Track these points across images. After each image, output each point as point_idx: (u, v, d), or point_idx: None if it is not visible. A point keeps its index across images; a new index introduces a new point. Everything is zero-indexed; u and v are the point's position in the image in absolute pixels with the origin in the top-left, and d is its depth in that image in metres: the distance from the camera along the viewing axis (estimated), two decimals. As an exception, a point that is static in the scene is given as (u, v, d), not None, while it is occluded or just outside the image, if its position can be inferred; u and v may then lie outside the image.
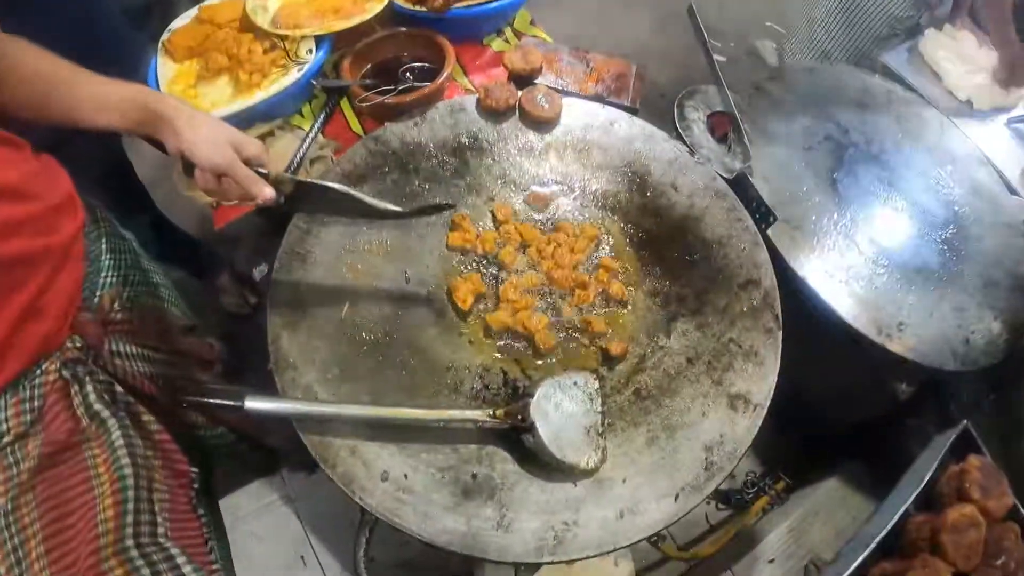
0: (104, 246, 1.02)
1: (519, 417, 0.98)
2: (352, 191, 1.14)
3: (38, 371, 0.85)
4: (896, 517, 1.05)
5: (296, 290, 1.11)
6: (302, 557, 1.76)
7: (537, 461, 1.00)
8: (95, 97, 0.92)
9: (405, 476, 0.95)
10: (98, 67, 0.95)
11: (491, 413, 0.99)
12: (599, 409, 1.05)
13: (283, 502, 1.84)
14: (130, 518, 0.88)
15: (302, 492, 1.85)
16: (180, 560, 0.90)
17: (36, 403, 0.84)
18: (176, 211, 2.30)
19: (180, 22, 1.55)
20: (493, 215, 1.28)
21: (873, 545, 1.03)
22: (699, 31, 1.71)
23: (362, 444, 0.96)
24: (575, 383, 1.05)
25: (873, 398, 1.47)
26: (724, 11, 4.09)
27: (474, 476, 0.97)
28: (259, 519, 1.80)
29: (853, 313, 1.30)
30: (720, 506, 1.77)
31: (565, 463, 0.99)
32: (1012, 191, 1.77)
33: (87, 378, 0.90)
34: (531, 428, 0.98)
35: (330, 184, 1.13)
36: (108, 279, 1.01)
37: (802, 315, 1.31)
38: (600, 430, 1.04)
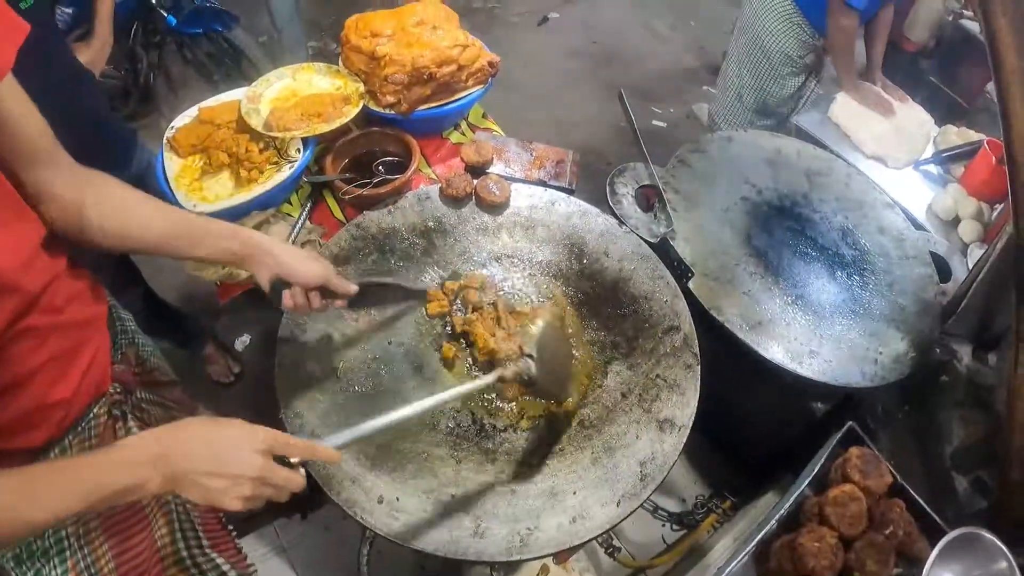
0: (114, 316, 1.25)
1: (524, 375, 1.21)
2: (403, 284, 1.43)
3: (91, 414, 1.08)
4: (793, 498, 1.30)
5: (298, 353, 1.35)
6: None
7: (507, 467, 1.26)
8: (192, 237, 1.11)
9: (397, 499, 1.18)
10: (86, 155, 1.06)
11: (500, 376, 1.20)
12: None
13: (276, 552, 1.99)
14: (180, 535, 1.10)
15: (294, 541, 2.00)
16: (225, 567, 1.11)
17: (92, 442, 1.07)
18: (164, 286, 2.50)
19: (182, 120, 1.78)
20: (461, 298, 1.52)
21: (774, 522, 1.28)
22: (627, 115, 1.91)
23: (361, 474, 1.19)
24: (552, 327, 1.33)
25: (796, 418, 1.70)
26: (666, 80, 4.47)
27: (452, 496, 1.20)
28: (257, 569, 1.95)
29: (767, 346, 1.54)
30: (674, 527, 1.95)
31: (560, 395, 1.31)
32: (918, 226, 2.04)
33: (128, 415, 1.14)
34: (533, 382, 1.21)
35: (382, 280, 1.41)
36: (123, 341, 1.25)
37: (731, 351, 1.55)
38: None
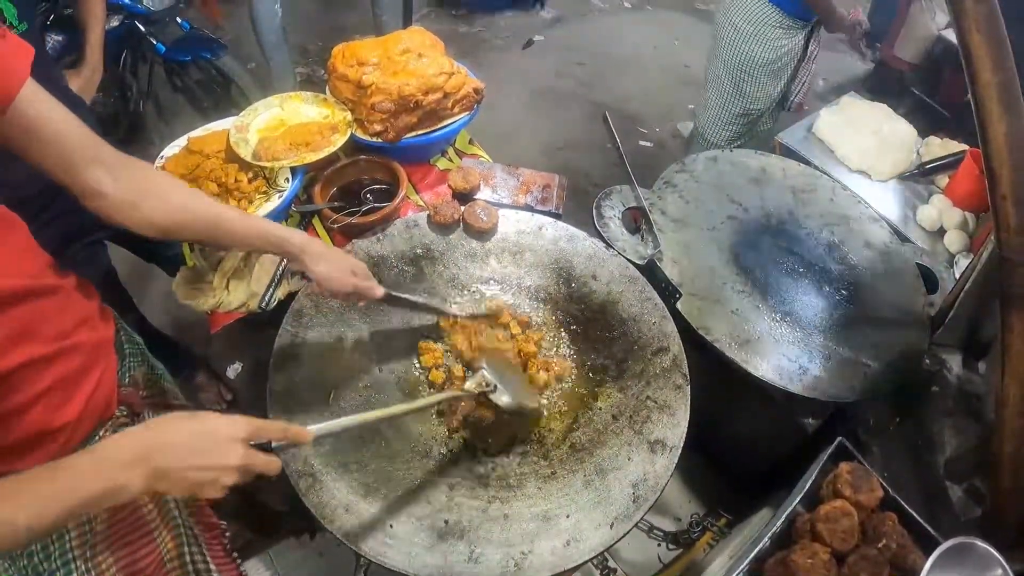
0: (123, 339, 1.27)
1: (484, 384, 1.33)
2: (429, 303, 1.50)
3: (96, 438, 1.09)
4: (785, 515, 1.31)
5: (290, 380, 1.36)
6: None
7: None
8: (242, 231, 1.19)
9: (391, 526, 1.18)
10: None
11: (462, 388, 1.33)
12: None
13: (274, 578, 1.98)
14: (188, 558, 1.10)
15: (290, 568, 1.99)
16: None
17: None
18: (155, 313, 2.51)
19: (171, 150, 1.79)
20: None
21: (767, 539, 1.28)
22: (613, 137, 1.92)
23: (354, 503, 1.19)
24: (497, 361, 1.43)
25: (788, 434, 1.70)
26: (651, 100, 4.51)
27: (446, 522, 1.20)
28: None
29: (757, 364, 1.55)
30: (670, 547, 1.95)
31: (527, 406, 1.38)
32: (904, 239, 2.06)
33: None
34: (495, 389, 1.32)
35: (412, 297, 1.48)
36: (132, 363, 1.26)
37: (721, 370, 1.56)
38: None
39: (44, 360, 0.99)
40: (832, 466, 1.38)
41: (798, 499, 1.33)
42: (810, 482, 1.35)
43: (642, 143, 4.18)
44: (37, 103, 0.96)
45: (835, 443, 1.40)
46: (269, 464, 0.94)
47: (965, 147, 2.41)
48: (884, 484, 1.34)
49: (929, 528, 1.31)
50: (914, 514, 1.32)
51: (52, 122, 0.98)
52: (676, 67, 4.86)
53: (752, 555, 1.24)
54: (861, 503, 1.28)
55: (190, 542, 1.15)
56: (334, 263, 1.25)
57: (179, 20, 3.33)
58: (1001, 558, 1.19)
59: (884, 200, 2.27)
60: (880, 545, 1.26)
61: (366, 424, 1.09)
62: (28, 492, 0.81)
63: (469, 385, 1.33)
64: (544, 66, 4.82)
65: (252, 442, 0.92)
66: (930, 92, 3.88)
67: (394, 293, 1.39)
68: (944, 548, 1.18)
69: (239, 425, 0.90)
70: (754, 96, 2.82)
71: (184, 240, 1.18)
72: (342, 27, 4.87)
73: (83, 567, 1.05)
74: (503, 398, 1.34)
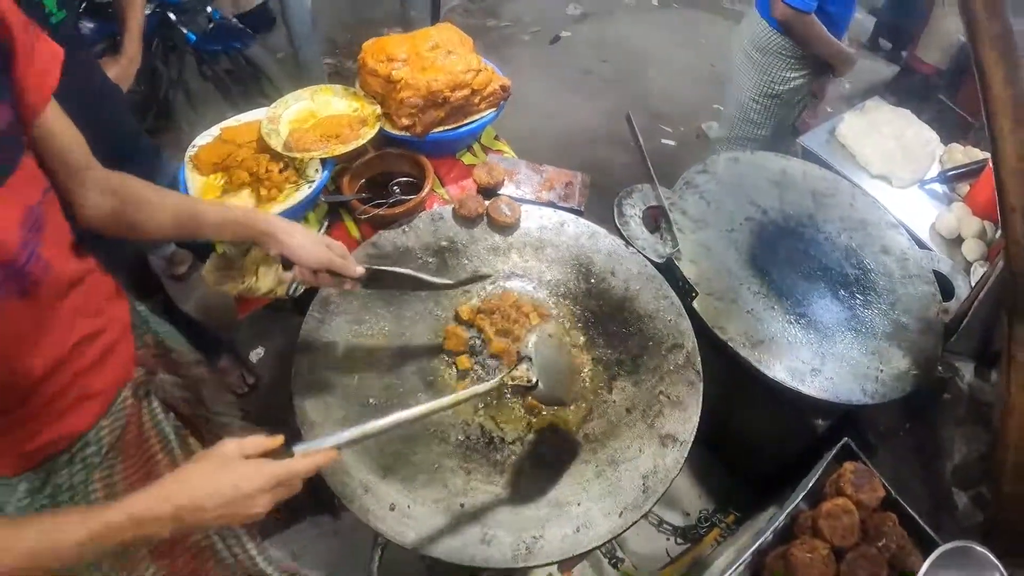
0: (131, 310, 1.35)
1: (525, 379, 1.26)
2: (412, 272, 1.41)
3: (119, 398, 1.19)
4: (788, 511, 1.36)
5: (314, 365, 1.41)
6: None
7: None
8: (216, 223, 1.25)
9: (408, 507, 1.23)
10: (111, 168, 1.20)
11: (503, 379, 1.25)
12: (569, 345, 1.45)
13: (291, 558, 2.05)
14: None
15: (305, 549, 2.05)
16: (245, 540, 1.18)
17: (120, 422, 1.18)
18: (182, 299, 2.58)
19: (203, 139, 1.85)
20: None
21: (769, 533, 1.33)
22: (635, 137, 1.96)
23: (374, 483, 1.25)
24: (549, 335, 1.37)
25: (798, 434, 1.73)
26: (675, 98, 4.52)
27: (462, 505, 1.25)
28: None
29: (770, 364, 1.59)
30: (679, 541, 2.00)
31: (563, 399, 1.38)
32: (922, 245, 2.08)
33: (152, 395, 1.27)
34: (535, 386, 1.26)
35: (397, 269, 1.40)
36: (141, 329, 1.33)
37: (734, 369, 1.60)
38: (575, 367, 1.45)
39: (93, 334, 1.10)
40: (836, 465, 1.42)
41: (801, 496, 1.37)
42: (814, 480, 1.39)
43: (665, 141, 4.20)
44: (53, 115, 1.03)
45: (840, 443, 1.44)
46: (293, 492, 0.98)
47: (987, 155, 2.38)
48: (887, 485, 1.38)
49: (929, 530, 1.35)
50: (915, 516, 1.36)
51: (63, 135, 1.05)
52: (702, 66, 4.88)
53: (754, 547, 1.29)
54: (862, 502, 1.32)
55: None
56: (307, 236, 1.28)
57: (210, 10, 3.38)
58: (999, 563, 1.22)
59: (904, 206, 2.28)
60: (880, 544, 1.30)
61: (400, 424, 1.08)
62: (65, 544, 0.85)
63: (508, 378, 1.27)
64: (570, 62, 4.86)
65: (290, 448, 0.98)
66: (954, 97, 3.86)
67: (375, 267, 1.35)
68: (942, 550, 1.22)
69: (264, 476, 0.93)
70: (760, 122, 2.84)
71: (168, 239, 1.25)
72: (370, 20, 4.92)
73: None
74: (542, 389, 1.28)
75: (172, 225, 1.23)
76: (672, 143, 4.20)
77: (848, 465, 1.38)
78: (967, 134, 3.35)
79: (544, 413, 1.44)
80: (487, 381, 1.25)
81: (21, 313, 0.94)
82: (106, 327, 1.15)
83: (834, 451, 1.43)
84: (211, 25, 3.38)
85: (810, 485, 1.39)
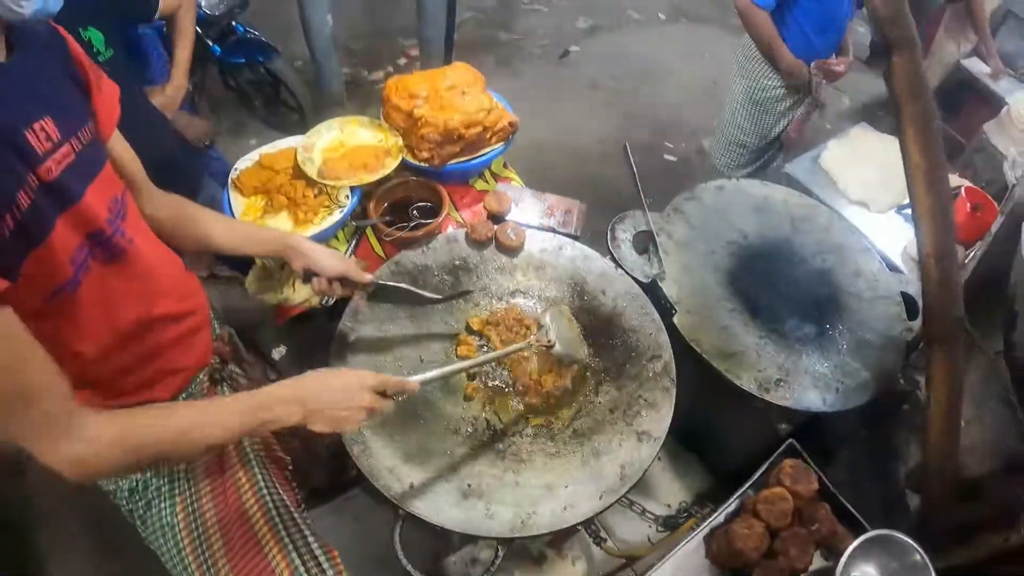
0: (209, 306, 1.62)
1: (547, 341, 1.66)
2: (411, 288, 1.73)
3: (198, 378, 1.46)
4: (737, 495, 1.61)
5: (347, 365, 1.65)
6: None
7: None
8: (248, 241, 1.54)
9: (424, 486, 1.48)
10: (162, 184, 1.45)
11: (528, 343, 1.65)
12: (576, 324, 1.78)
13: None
14: (259, 479, 1.45)
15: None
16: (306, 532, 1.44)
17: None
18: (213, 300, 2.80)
19: (244, 163, 2.08)
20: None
21: (719, 514, 1.59)
22: (630, 166, 2.11)
23: (397, 466, 1.49)
24: (560, 312, 1.74)
25: (765, 436, 1.86)
26: (680, 113, 4.65)
27: (469, 485, 1.50)
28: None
29: (739, 375, 1.74)
30: (660, 529, 2.19)
31: (576, 357, 1.72)
32: (894, 268, 2.20)
33: (224, 382, 1.53)
34: (554, 344, 1.66)
35: (396, 284, 1.72)
36: (216, 323, 1.62)
37: (710, 378, 1.76)
38: (579, 336, 1.78)
39: (181, 315, 1.36)
40: (782, 460, 1.65)
41: (748, 485, 1.61)
42: (760, 472, 1.63)
43: (667, 157, 4.31)
44: (116, 141, 1.29)
45: (786, 443, 1.68)
46: (387, 405, 1.26)
47: (965, 183, 2.54)
48: (824, 479, 1.60)
49: (860, 518, 1.58)
50: (848, 505, 1.59)
51: (122, 158, 1.31)
52: (705, 82, 4.98)
53: (706, 524, 1.54)
54: (799, 492, 1.55)
55: (261, 472, 1.47)
56: (326, 251, 1.55)
57: (234, 23, 3.57)
58: (917, 546, 1.41)
59: (880, 231, 2.41)
60: (812, 528, 1.53)
61: (446, 377, 1.46)
62: (219, 410, 1.17)
63: (533, 340, 1.65)
64: (579, 76, 4.99)
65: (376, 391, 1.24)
66: (952, 119, 3.95)
67: (380, 281, 1.66)
68: (867, 536, 1.42)
69: (367, 379, 1.22)
70: (746, 128, 3.01)
71: (212, 252, 1.56)
72: (386, 29, 5.05)
73: (187, 489, 1.40)
74: (558, 348, 1.67)
75: (215, 238, 1.50)
76: (674, 159, 4.32)
77: (788, 461, 1.61)
78: (958, 157, 3.43)
79: (539, 410, 1.69)
80: (517, 345, 1.64)
81: (111, 275, 1.17)
82: (193, 311, 1.42)
83: (780, 449, 1.67)
84: (234, 38, 3.57)
85: (756, 476, 1.63)
